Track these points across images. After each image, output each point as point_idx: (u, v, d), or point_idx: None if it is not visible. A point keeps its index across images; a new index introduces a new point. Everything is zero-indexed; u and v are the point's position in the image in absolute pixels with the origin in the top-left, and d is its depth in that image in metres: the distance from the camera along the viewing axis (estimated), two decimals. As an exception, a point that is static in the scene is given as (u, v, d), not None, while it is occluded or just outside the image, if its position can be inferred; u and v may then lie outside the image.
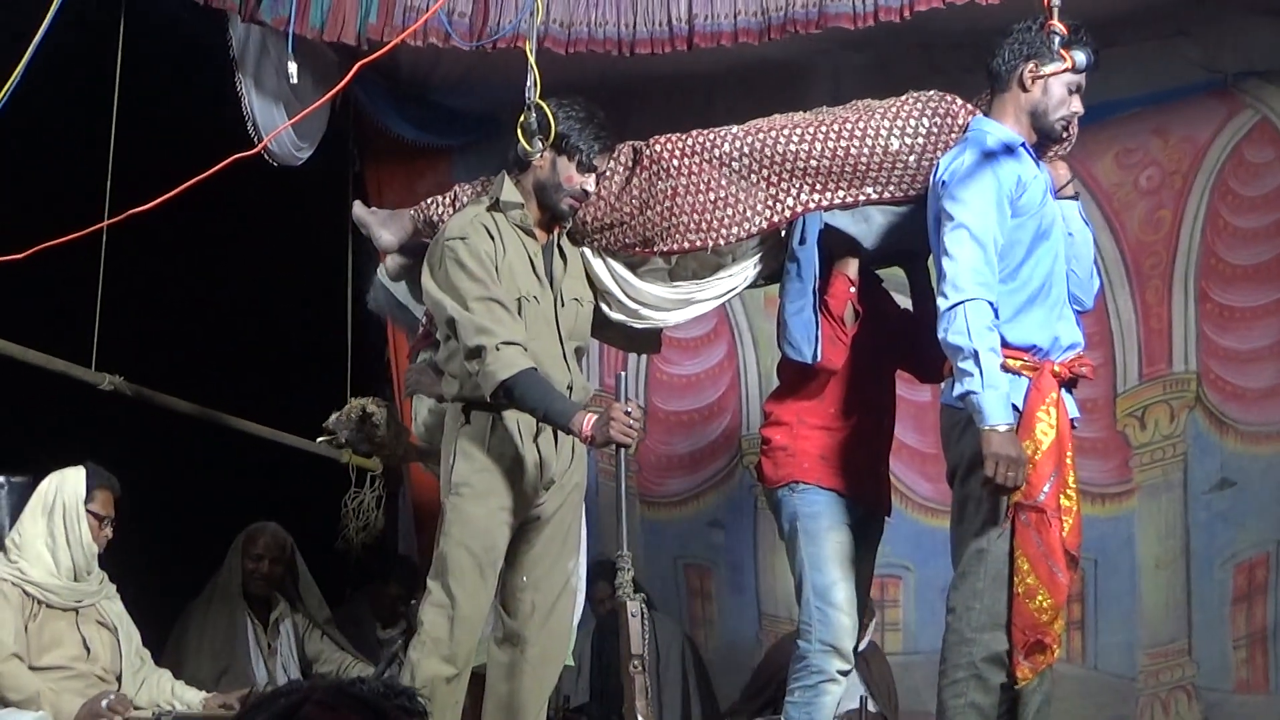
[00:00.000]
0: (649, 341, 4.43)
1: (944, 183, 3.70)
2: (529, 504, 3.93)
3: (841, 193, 3.97)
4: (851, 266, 4.11)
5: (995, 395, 3.54)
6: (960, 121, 3.90)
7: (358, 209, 4.45)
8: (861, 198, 3.98)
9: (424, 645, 3.85)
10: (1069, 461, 3.68)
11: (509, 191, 3.96)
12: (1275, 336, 5.32)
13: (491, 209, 3.95)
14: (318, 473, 5.97)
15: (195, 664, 5.19)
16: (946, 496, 5.64)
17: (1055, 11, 3.57)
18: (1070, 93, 3.83)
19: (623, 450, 3.72)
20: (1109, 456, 5.40)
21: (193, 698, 4.63)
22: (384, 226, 4.33)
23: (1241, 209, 5.40)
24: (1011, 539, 3.62)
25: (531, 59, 3.86)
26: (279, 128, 4.89)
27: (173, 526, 5.54)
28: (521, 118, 3.88)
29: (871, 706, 5.21)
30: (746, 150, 3.99)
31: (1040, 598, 3.60)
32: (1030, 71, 3.78)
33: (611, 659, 5.70)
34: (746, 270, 4.16)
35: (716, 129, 4.09)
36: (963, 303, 3.57)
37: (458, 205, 4.21)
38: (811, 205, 3.98)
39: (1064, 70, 3.72)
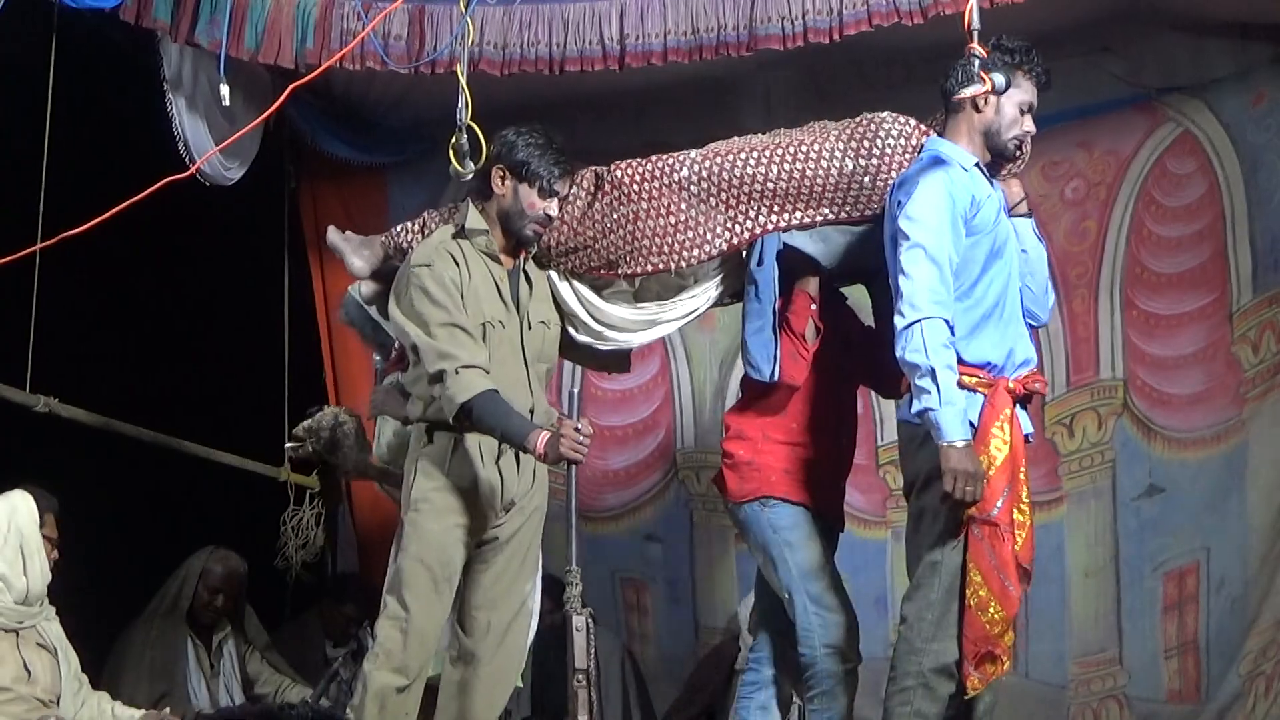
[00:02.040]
0: (617, 361, 4.50)
1: (900, 202, 3.77)
2: (487, 524, 4.00)
3: (799, 214, 4.05)
4: (812, 284, 4.21)
5: (952, 411, 3.62)
6: (914, 142, 3.98)
7: (332, 235, 4.43)
8: (819, 218, 4.07)
9: (377, 657, 3.92)
10: (1022, 477, 3.77)
11: (474, 219, 4.03)
12: (1200, 342, 5.39)
13: (457, 236, 4.02)
14: (255, 491, 5.96)
15: (135, 684, 5.16)
16: (878, 508, 5.79)
17: (975, 35, 3.66)
18: (1022, 113, 3.92)
19: (573, 467, 3.78)
20: (1038, 464, 5.45)
21: (129, 716, 4.61)
22: (356, 253, 4.35)
23: (1165, 218, 5.50)
24: (965, 552, 3.70)
25: (463, 81, 3.92)
26: (212, 150, 4.89)
27: (108, 548, 5.50)
28: (453, 139, 3.92)
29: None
30: (705, 174, 4.06)
31: (992, 610, 3.67)
32: (982, 95, 3.88)
33: (553, 671, 5.71)
34: (709, 291, 4.25)
35: (675, 154, 4.17)
36: (920, 321, 3.64)
37: (427, 232, 4.25)
38: (770, 227, 4.07)
39: (984, 93, 3.80)
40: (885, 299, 4.04)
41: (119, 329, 5.88)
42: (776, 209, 4.05)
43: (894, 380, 3.97)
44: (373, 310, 4.54)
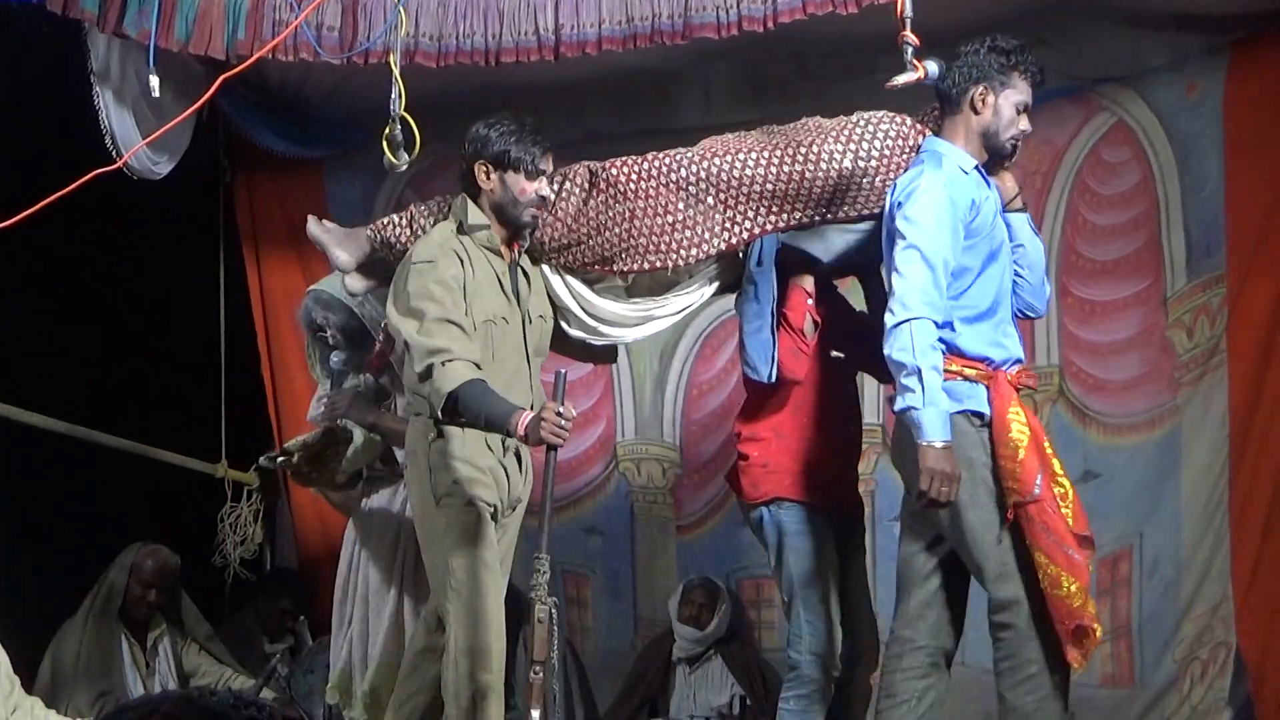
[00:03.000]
0: (606, 354, 4.51)
1: (899, 203, 3.81)
2: (498, 517, 4.00)
3: (798, 214, 4.07)
4: (808, 280, 4.25)
5: (935, 412, 3.67)
6: (912, 142, 4.01)
7: (313, 226, 4.35)
8: (817, 218, 4.10)
9: (458, 664, 3.88)
10: (1049, 451, 3.83)
11: (474, 214, 4.01)
12: (1135, 329, 5.44)
13: (459, 232, 4.00)
14: (193, 488, 5.91)
15: (74, 686, 5.12)
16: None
17: (907, 23, 3.67)
18: (1019, 112, 3.95)
19: (553, 452, 3.76)
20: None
21: None
22: (340, 246, 4.28)
23: (1100, 207, 5.55)
24: (1021, 538, 3.73)
25: (396, 72, 3.89)
26: (140, 143, 4.83)
27: (42, 547, 5.44)
28: (387, 130, 3.89)
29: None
30: (702, 175, 4.06)
31: (1065, 584, 3.71)
32: (980, 95, 3.90)
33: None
34: (703, 287, 4.26)
35: (670, 153, 4.16)
36: (909, 321, 3.69)
37: (415, 225, 4.20)
38: (769, 228, 4.09)
39: (915, 79, 3.82)
40: (880, 290, 4.10)
41: (51, 324, 5.80)
42: (775, 210, 4.05)
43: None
44: (354, 302, 4.54)
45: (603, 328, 4.25)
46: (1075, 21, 5.41)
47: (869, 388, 5.79)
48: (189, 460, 5.92)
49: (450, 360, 3.74)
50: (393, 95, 3.91)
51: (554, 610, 3.69)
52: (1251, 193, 5.10)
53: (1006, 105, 3.92)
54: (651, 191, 4.07)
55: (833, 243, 4.21)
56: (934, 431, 3.65)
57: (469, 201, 4.02)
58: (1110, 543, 5.28)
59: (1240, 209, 5.14)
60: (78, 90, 5.09)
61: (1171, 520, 5.28)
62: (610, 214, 4.09)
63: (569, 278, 4.20)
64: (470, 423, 3.81)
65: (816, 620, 4.14)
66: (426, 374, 3.76)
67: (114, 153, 4.91)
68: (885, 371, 4.11)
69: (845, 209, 4.06)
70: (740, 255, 4.18)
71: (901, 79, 3.84)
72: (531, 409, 3.86)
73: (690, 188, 4.06)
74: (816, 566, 4.16)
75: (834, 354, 4.32)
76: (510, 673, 5.62)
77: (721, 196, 4.05)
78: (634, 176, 4.10)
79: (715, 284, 4.27)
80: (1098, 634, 3.78)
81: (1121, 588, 5.29)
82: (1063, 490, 3.79)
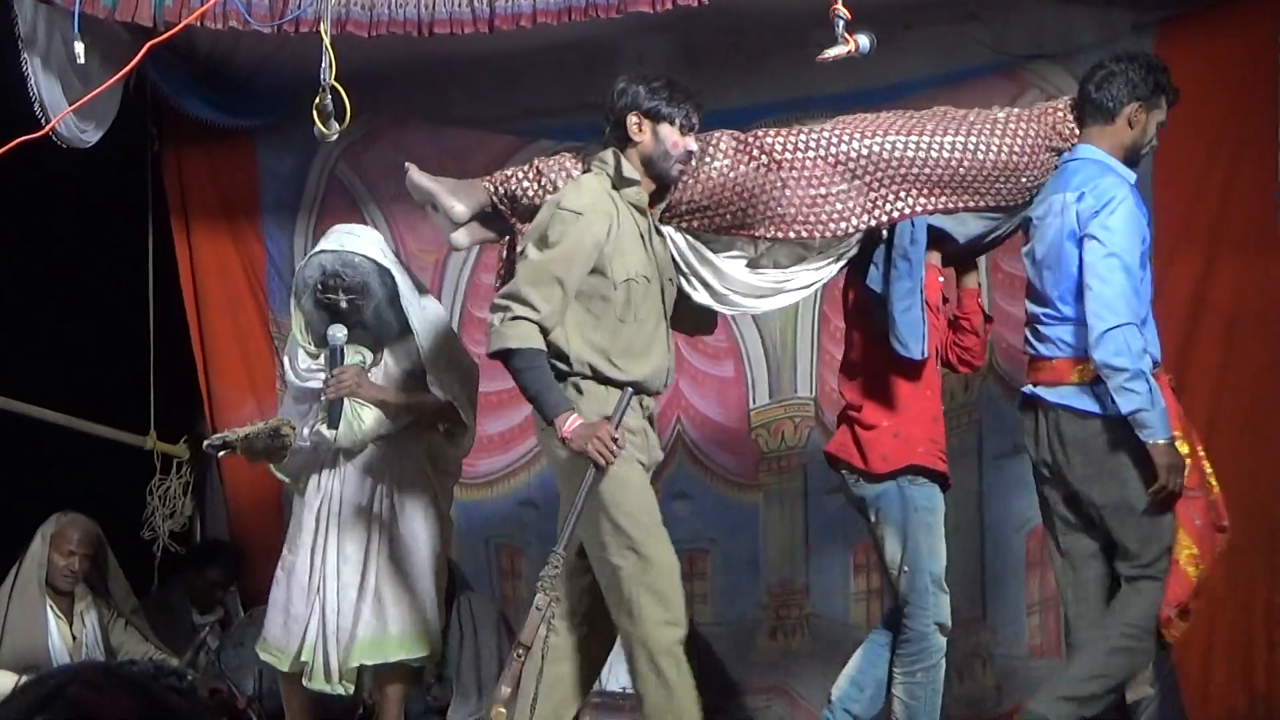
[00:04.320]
0: (707, 325, 4.53)
1: (1096, 211, 3.94)
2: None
3: (944, 199, 4.19)
4: (936, 256, 4.39)
5: (1160, 412, 3.88)
6: (1055, 144, 4.16)
7: (416, 174, 4.21)
8: (962, 205, 4.23)
9: (645, 620, 3.83)
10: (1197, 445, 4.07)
11: (629, 168, 3.99)
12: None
13: (615, 187, 3.97)
14: (121, 460, 5.86)
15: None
16: (750, 471, 5.84)
17: (840, -4, 3.70)
18: (1157, 129, 4.17)
19: (591, 468, 3.81)
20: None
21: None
22: (455, 196, 4.17)
23: (1031, 182, 5.60)
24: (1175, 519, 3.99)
25: (326, 41, 3.87)
26: (66, 110, 4.76)
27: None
28: (317, 100, 3.86)
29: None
30: (861, 153, 4.11)
31: (1200, 567, 3.98)
32: (1135, 112, 4.07)
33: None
34: (832, 264, 4.31)
35: (828, 126, 4.20)
36: (1120, 326, 3.87)
37: (544, 180, 4.14)
38: (917, 210, 4.18)
39: (846, 53, 3.84)
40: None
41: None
42: (925, 194, 4.15)
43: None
44: (394, 267, 4.48)
45: (734, 296, 4.27)
46: (1007, -3, 5.47)
47: (801, 362, 5.85)
48: (117, 432, 5.87)
49: (530, 319, 3.76)
50: (323, 64, 3.88)
51: (553, 604, 3.76)
52: (1177, 172, 5.16)
53: (1153, 124, 4.12)
54: (807, 164, 4.10)
55: (970, 226, 4.36)
56: (1163, 430, 3.87)
57: (621, 155, 3.99)
58: (1038, 516, 5.30)
59: (1166, 188, 5.20)
60: (6, 56, 5.01)
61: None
62: (760, 181, 4.10)
63: (697, 243, 4.20)
64: (518, 385, 3.86)
65: (940, 592, 4.28)
66: (502, 308, 3.79)
67: (42, 120, 4.85)
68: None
69: (989, 199, 4.22)
70: (883, 233, 4.26)
71: (832, 52, 3.87)
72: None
73: (849, 164, 4.11)
74: (940, 540, 4.30)
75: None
76: (444, 645, 5.67)
77: (878, 175, 4.12)
78: (790, 147, 4.12)
79: (842, 261, 4.32)
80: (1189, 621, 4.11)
81: (1049, 561, 5.32)
82: (1209, 476, 4.04)
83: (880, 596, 5.64)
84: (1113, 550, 4.10)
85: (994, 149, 4.14)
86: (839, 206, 4.11)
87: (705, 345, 5.98)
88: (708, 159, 4.11)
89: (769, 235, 4.16)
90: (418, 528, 4.60)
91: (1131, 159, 4.16)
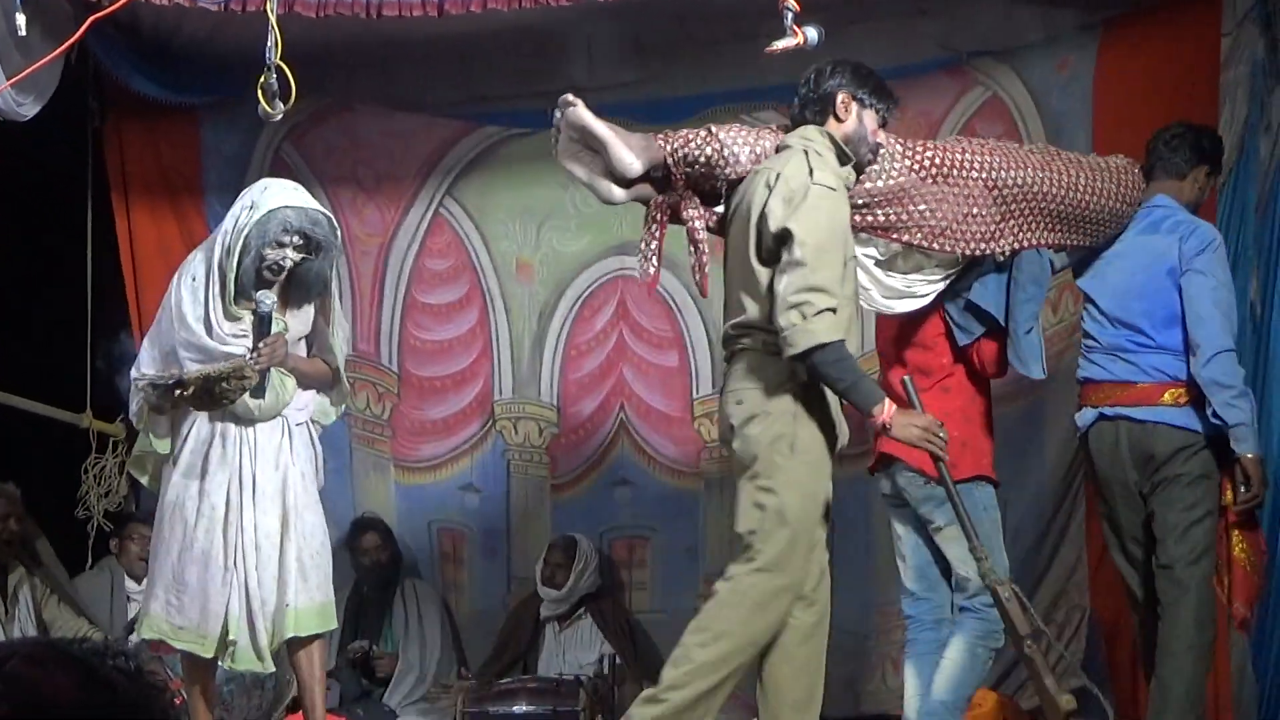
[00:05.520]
0: None
1: (1200, 250, 4.32)
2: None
3: (1059, 235, 4.36)
4: None
5: (1256, 429, 4.28)
6: (1139, 184, 4.46)
7: (587, 114, 3.94)
8: (1071, 242, 4.41)
9: (780, 598, 3.76)
10: None
11: (842, 148, 3.97)
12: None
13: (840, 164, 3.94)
14: (55, 439, 5.79)
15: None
16: (693, 459, 5.87)
17: (793, -6, 3.70)
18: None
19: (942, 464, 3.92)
20: (850, 415, 5.59)
21: None
22: (629, 148, 3.94)
23: (975, 181, 5.65)
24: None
25: (273, 19, 3.83)
26: (6, 84, 4.69)
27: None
28: (262, 79, 3.83)
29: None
30: (1016, 182, 4.20)
31: (1253, 561, 4.38)
32: (1196, 174, 4.47)
33: (369, 617, 5.75)
34: (943, 278, 4.38)
35: (988, 148, 4.26)
36: (1227, 350, 4.24)
37: (723, 149, 3.95)
38: (1036, 242, 4.33)
39: (794, 45, 3.86)
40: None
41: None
42: (1055, 228, 4.31)
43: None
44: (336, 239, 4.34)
45: (874, 293, 4.34)
46: (954, -7, 5.51)
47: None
48: (53, 410, 5.80)
49: (831, 309, 3.68)
50: (269, 43, 3.84)
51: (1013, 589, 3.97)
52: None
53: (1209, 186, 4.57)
54: (969, 183, 4.16)
55: (1067, 257, 4.59)
56: (1258, 444, 4.28)
57: (831, 133, 3.96)
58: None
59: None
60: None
61: (1036, 488, 5.41)
62: (920, 190, 4.13)
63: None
64: (827, 380, 3.74)
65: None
66: (803, 307, 3.67)
67: (-22, 92, 4.78)
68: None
69: (1093, 238, 4.41)
70: (997, 258, 4.37)
71: (780, 44, 3.88)
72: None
73: (1003, 190, 4.19)
74: (1000, 535, 4.43)
75: None
76: (388, 628, 5.67)
77: (1020, 205, 4.23)
78: (955, 165, 4.16)
79: (949, 278, 4.38)
80: None
81: (986, 553, 5.41)
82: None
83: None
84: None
85: (1110, 195, 4.36)
86: (986, 228, 4.20)
87: (650, 334, 6.01)
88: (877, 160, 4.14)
89: (914, 242, 4.20)
90: (315, 494, 4.48)
91: (1193, 212, 4.49)
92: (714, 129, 4.02)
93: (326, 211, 4.39)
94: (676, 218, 4.00)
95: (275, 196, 4.30)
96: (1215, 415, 4.21)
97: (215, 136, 6.13)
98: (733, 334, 3.91)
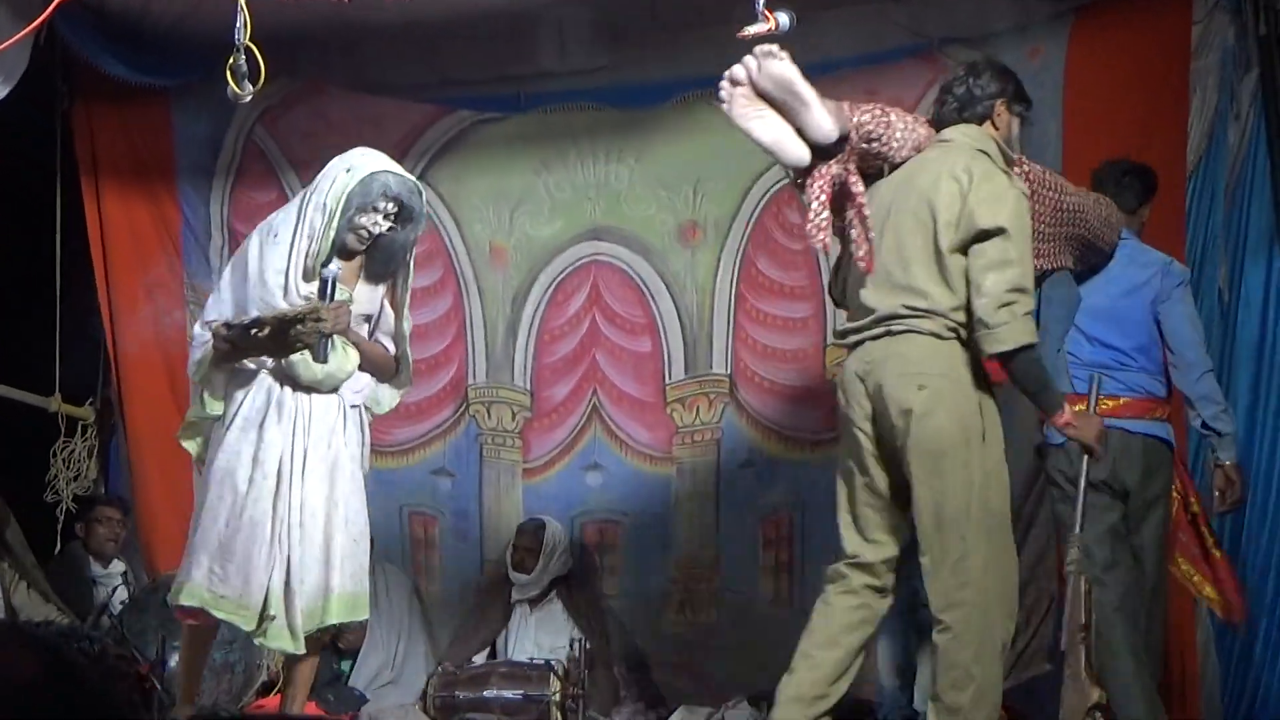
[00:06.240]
0: None
1: (1180, 282, 4.58)
2: None
3: (1075, 258, 4.43)
4: None
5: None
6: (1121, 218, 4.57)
7: (794, 69, 3.81)
8: (1079, 266, 4.48)
9: (988, 611, 3.74)
10: None
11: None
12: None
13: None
14: (23, 422, 5.76)
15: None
16: (665, 444, 5.88)
17: (764, -1, 3.71)
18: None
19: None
20: (819, 404, 5.62)
21: None
22: (827, 111, 3.82)
23: (947, 168, 5.67)
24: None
25: (242, 1, 3.80)
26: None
27: None
28: (231, 60, 3.81)
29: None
30: (1072, 207, 4.29)
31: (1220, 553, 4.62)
32: (1148, 212, 4.72)
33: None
34: None
35: (1053, 173, 4.35)
36: (1211, 370, 4.56)
37: (897, 135, 3.89)
38: (1067, 265, 4.40)
39: (765, 30, 3.85)
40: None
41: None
42: (1076, 254, 4.40)
43: None
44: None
45: None
46: (926, -23, 5.52)
47: (718, 340, 5.89)
48: (22, 393, 5.77)
49: (1031, 310, 3.76)
50: (238, 24, 3.82)
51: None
52: (1088, 161, 5.22)
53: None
54: (1048, 201, 4.20)
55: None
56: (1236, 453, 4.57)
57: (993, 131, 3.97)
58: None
59: (1077, 177, 5.27)
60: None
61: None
62: None
63: None
64: (1026, 377, 3.77)
65: None
66: (1014, 305, 3.69)
67: (-55, 75, 4.75)
68: None
69: (1079, 265, 4.47)
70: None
71: (752, 29, 3.86)
72: None
73: (1062, 214, 4.25)
74: None
75: None
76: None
77: (1065, 229, 4.29)
78: (1040, 183, 4.18)
79: None
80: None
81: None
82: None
83: (787, 570, 5.73)
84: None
85: (1111, 224, 4.45)
86: (1045, 246, 4.23)
87: (623, 320, 6.01)
88: None
89: None
90: (360, 481, 4.40)
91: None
92: (886, 109, 3.96)
93: (418, 185, 4.30)
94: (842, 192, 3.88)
95: (375, 161, 4.22)
96: (1205, 426, 4.49)
97: (187, 120, 6.10)
98: (904, 313, 3.81)
